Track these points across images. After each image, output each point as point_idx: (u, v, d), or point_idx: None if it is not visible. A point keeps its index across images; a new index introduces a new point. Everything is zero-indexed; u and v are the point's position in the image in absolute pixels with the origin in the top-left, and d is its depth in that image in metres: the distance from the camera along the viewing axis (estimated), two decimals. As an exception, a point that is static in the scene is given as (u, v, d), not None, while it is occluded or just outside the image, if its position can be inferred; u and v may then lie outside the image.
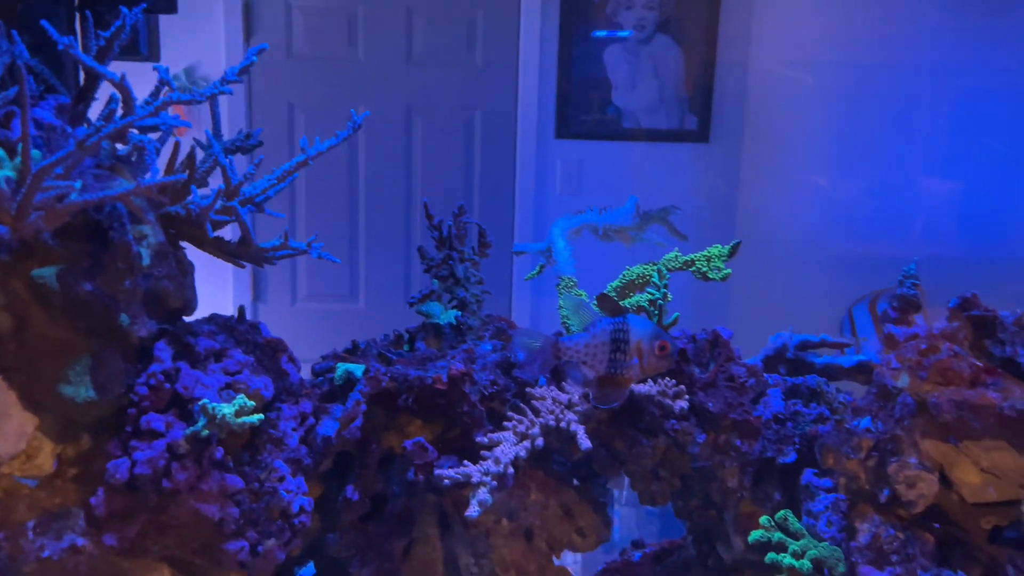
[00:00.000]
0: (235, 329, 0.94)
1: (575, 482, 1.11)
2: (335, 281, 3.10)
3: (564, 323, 1.15)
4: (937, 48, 2.30)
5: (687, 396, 0.96)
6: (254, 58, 0.80)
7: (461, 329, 1.05)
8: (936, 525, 0.86)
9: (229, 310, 0.99)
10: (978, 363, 0.84)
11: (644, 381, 0.94)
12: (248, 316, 0.98)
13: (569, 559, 1.42)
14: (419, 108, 2.91)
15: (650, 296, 1.01)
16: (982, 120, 2.33)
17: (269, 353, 0.95)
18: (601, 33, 2.72)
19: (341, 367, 0.98)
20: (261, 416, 0.83)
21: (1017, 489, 0.83)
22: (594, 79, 2.80)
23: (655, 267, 1.14)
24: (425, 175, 2.91)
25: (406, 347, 1.10)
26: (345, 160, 2.93)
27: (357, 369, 0.97)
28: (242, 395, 0.84)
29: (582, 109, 2.81)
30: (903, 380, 0.90)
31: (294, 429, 0.93)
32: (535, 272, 1.23)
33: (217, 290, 2.84)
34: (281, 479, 0.87)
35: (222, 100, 0.90)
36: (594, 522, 1.09)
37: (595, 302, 1.00)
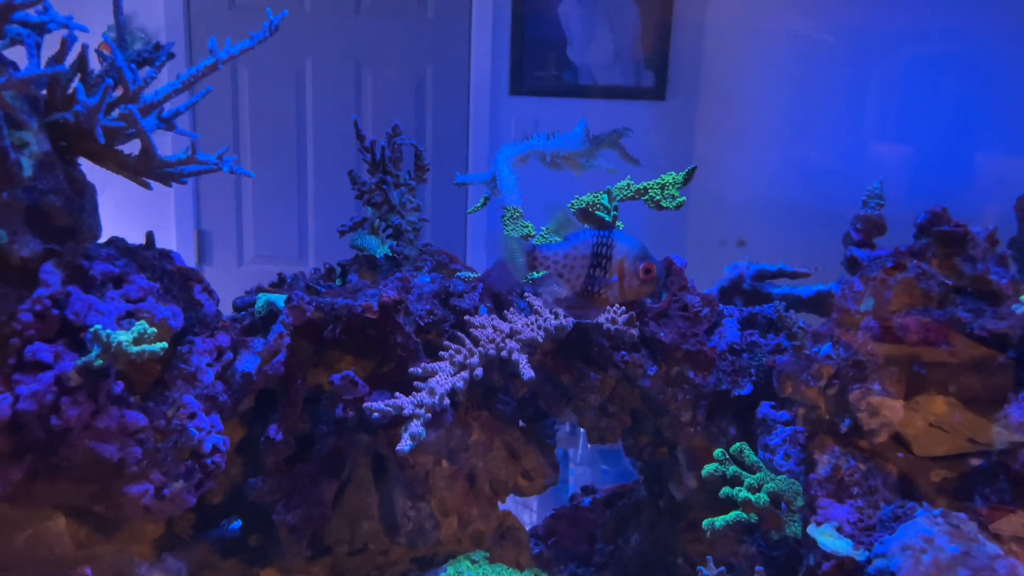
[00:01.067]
0: (138, 254, 0.84)
1: (521, 423, 1.05)
2: (284, 242, 2.98)
3: (508, 255, 1.08)
4: (890, 10, 2.29)
5: (637, 325, 0.89)
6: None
7: (397, 260, 0.96)
8: (900, 455, 0.82)
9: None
10: (947, 281, 0.79)
11: (623, 304, 0.87)
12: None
13: (516, 504, 1.36)
14: (369, 62, 2.79)
15: (600, 215, 0.94)
16: (933, 82, 2.34)
17: (180, 281, 0.85)
18: (555, -13, 2.62)
19: (262, 297, 0.89)
20: (164, 345, 0.74)
21: (965, 443, 0.79)
22: (549, 35, 2.72)
23: (604, 195, 1.07)
24: (376, 131, 2.79)
25: (338, 281, 1.02)
26: (293, 116, 2.79)
27: (280, 299, 0.88)
28: (143, 323, 0.74)
29: (537, 65, 2.73)
30: (867, 303, 0.85)
31: (209, 364, 0.83)
32: (480, 204, 1.15)
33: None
34: (192, 416, 0.78)
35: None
36: (541, 464, 1.02)
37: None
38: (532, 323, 0.85)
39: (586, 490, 1.23)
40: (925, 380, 0.81)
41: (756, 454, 0.89)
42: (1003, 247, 0.80)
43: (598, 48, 2.71)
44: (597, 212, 0.94)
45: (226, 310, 0.93)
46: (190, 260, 2.88)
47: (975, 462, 0.78)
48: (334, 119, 2.80)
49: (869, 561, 0.76)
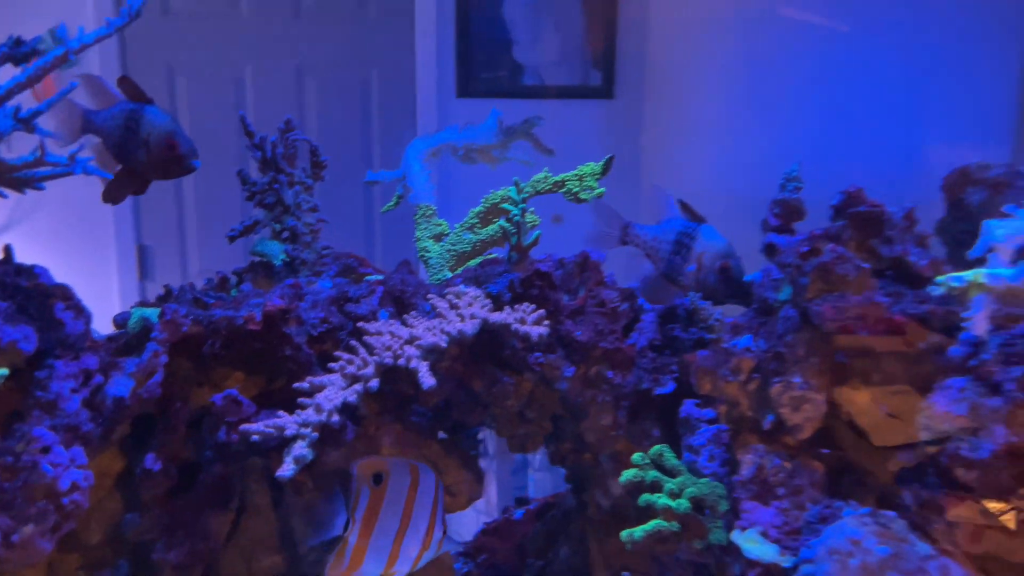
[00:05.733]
0: (-14, 270, 0.75)
1: (441, 435, 0.98)
2: (230, 255, 2.88)
3: (422, 256, 1.01)
4: (829, 4, 2.32)
5: (547, 323, 0.83)
6: None
7: (293, 265, 0.89)
8: (825, 451, 0.77)
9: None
10: (865, 265, 0.74)
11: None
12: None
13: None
14: (311, 67, 2.71)
15: (508, 209, 0.88)
16: (872, 74, 2.35)
17: (37, 299, 0.77)
18: (498, -13, 2.59)
19: (136, 312, 0.81)
20: (5, 372, 0.65)
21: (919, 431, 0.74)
22: (494, 36, 2.69)
23: (523, 187, 1.01)
24: (321, 137, 2.71)
25: (234, 291, 0.94)
26: (232, 124, 2.69)
27: (155, 314, 0.80)
28: (-18, 347, 0.66)
29: (484, 67, 2.70)
30: (785, 292, 0.80)
31: (73, 390, 0.75)
32: (392, 203, 1.08)
33: (98, 273, 2.59)
34: (45, 450, 0.70)
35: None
36: (464, 478, 0.95)
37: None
38: (435, 327, 0.78)
39: (519, 501, 1.17)
40: (847, 370, 0.76)
41: (681, 455, 0.84)
42: (923, 226, 0.76)
43: (544, 48, 2.69)
44: (504, 205, 0.88)
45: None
46: (131, 276, 2.77)
47: (903, 456, 0.73)
48: (276, 126, 2.71)
49: (796, 568, 0.71)
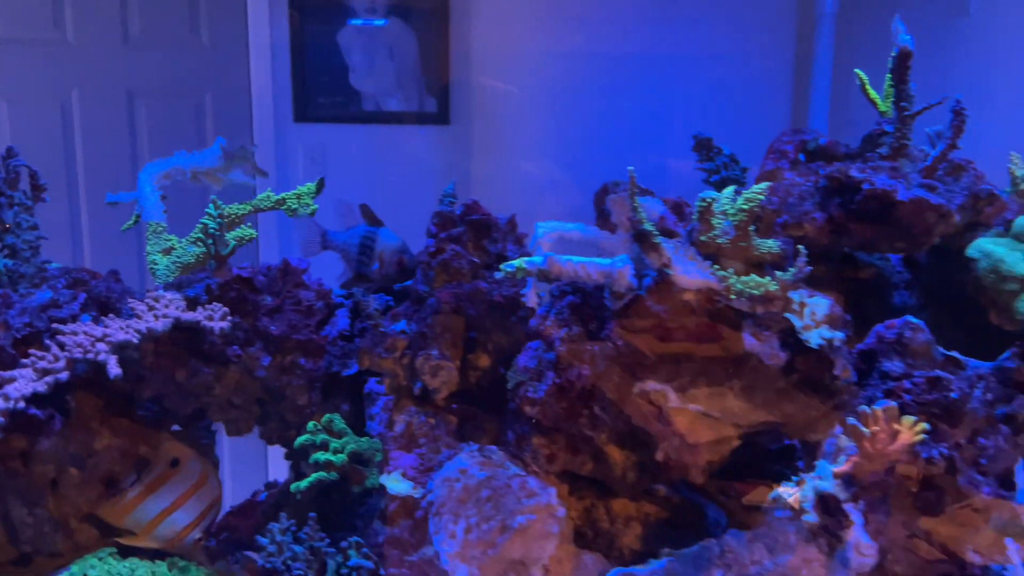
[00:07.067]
0: None
1: (175, 427, 1.11)
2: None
3: (151, 269, 1.14)
4: (631, 40, 2.64)
5: (239, 319, 0.99)
6: None
7: (13, 279, 1.00)
8: (455, 406, 0.97)
9: None
10: (475, 259, 0.96)
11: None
12: None
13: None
14: (142, 91, 2.70)
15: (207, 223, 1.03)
16: (675, 103, 2.71)
17: None
18: (332, 14, 2.68)
19: None
20: None
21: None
22: (329, 62, 2.74)
23: (247, 205, 1.17)
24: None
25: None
26: (61, 152, 2.65)
27: None
28: None
29: (320, 92, 2.75)
30: (424, 283, 1.01)
31: None
32: (131, 223, 1.21)
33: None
34: None
35: None
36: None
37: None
38: (127, 326, 0.92)
39: (268, 486, 1.30)
40: (475, 343, 0.98)
41: (367, 424, 1.02)
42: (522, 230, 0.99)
43: (380, 76, 2.78)
44: (203, 220, 1.03)
45: None
46: None
47: (511, 405, 0.95)
48: (106, 152, 2.69)
49: (424, 497, 0.91)
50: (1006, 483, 0.86)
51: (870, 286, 1.22)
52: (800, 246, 0.83)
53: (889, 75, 1.09)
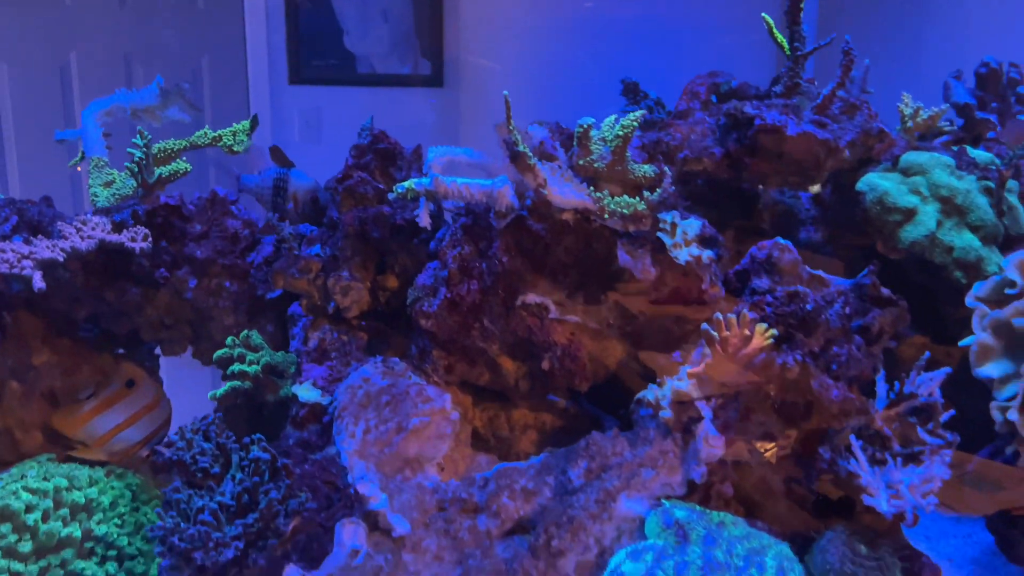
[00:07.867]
0: None
1: (120, 351, 1.19)
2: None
3: (93, 200, 1.21)
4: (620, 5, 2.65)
5: (160, 242, 1.06)
6: None
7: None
8: (365, 324, 1.05)
9: None
10: (380, 186, 1.02)
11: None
12: None
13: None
14: (139, 55, 2.72)
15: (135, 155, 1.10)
16: (647, 41, 2.73)
17: None
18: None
19: None
20: None
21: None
22: (324, 25, 2.73)
23: (183, 141, 1.24)
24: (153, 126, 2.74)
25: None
26: (60, 113, 2.68)
27: None
28: None
29: (315, 54, 2.75)
30: (332, 211, 1.07)
31: None
32: (77, 159, 1.27)
33: None
34: None
35: None
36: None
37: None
38: (53, 245, 0.99)
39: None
40: (384, 266, 1.05)
41: (289, 344, 1.10)
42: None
43: (375, 38, 2.76)
44: (129, 150, 1.10)
45: None
46: None
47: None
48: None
49: (331, 403, 0.99)
50: (863, 389, 0.93)
51: (780, 223, 1.29)
52: (666, 167, 0.89)
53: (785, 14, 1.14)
